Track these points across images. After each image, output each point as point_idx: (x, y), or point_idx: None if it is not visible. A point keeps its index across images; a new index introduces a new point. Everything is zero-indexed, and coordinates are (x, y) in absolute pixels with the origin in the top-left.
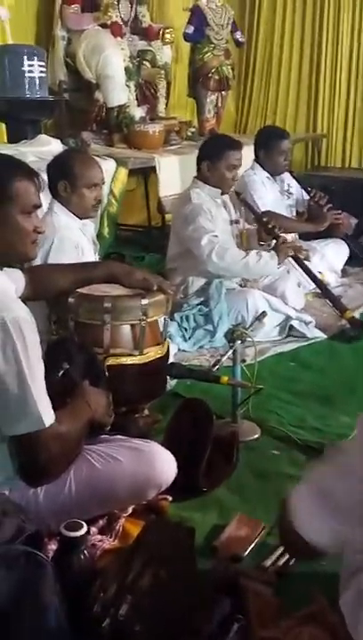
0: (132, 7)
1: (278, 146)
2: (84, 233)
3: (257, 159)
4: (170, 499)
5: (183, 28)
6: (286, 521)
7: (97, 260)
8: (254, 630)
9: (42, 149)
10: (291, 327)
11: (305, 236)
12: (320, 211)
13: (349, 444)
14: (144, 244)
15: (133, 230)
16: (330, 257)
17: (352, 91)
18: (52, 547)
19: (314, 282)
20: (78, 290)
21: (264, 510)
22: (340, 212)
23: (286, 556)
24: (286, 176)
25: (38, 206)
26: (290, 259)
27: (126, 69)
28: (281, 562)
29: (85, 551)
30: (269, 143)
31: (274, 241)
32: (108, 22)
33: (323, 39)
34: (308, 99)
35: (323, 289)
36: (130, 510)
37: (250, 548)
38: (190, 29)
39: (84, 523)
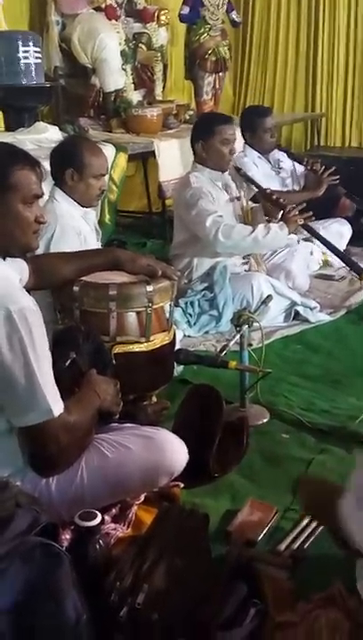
0: None
1: (262, 124)
2: (87, 220)
3: (246, 141)
4: (182, 485)
5: (178, 9)
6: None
7: (99, 247)
8: (271, 614)
9: (40, 137)
10: (296, 312)
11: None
12: (316, 177)
13: None
14: (145, 230)
15: (134, 217)
16: (334, 237)
17: (350, 69)
18: (67, 537)
19: (327, 246)
20: (83, 278)
21: (276, 494)
22: (337, 175)
23: (301, 540)
24: (277, 152)
25: (40, 196)
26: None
27: (122, 53)
28: (295, 546)
29: (100, 540)
30: (252, 123)
31: (281, 213)
32: (103, 5)
33: (320, 17)
34: (306, 78)
35: (337, 252)
36: (142, 498)
37: (263, 533)
38: (186, 10)
39: (98, 512)
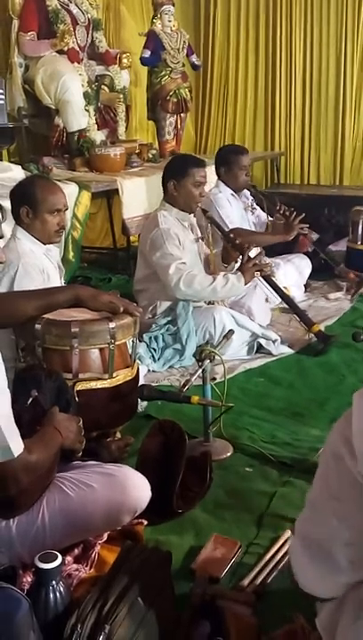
0: (88, 33)
1: (238, 162)
2: (49, 258)
3: (219, 177)
4: (145, 523)
5: (140, 53)
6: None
7: (63, 284)
8: None
9: (3, 176)
10: (259, 345)
11: (269, 253)
12: (287, 222)
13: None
14: (110, 265)
15: (99, 252)
16: (294, 272)
17: (307, 109)
18: (27, 579)
19: (281, 297)
20: (45, 315)
21: (240, 529)
22: (307, 224)
23: (263, 575)
24: (248, 193)
25: (0, 237)
26: (257, 274)
27: (85, 94)
28: (258, 581)
29: (61, 582)
30: (228, 160)
31: (240, 258)
32: (65, 48)
33: (277, 59)
34: (265, 118)
35: (290, 304)
36: (105, 537)
37: (227, 569)
38: (147, 53)
39: (58, 554)
